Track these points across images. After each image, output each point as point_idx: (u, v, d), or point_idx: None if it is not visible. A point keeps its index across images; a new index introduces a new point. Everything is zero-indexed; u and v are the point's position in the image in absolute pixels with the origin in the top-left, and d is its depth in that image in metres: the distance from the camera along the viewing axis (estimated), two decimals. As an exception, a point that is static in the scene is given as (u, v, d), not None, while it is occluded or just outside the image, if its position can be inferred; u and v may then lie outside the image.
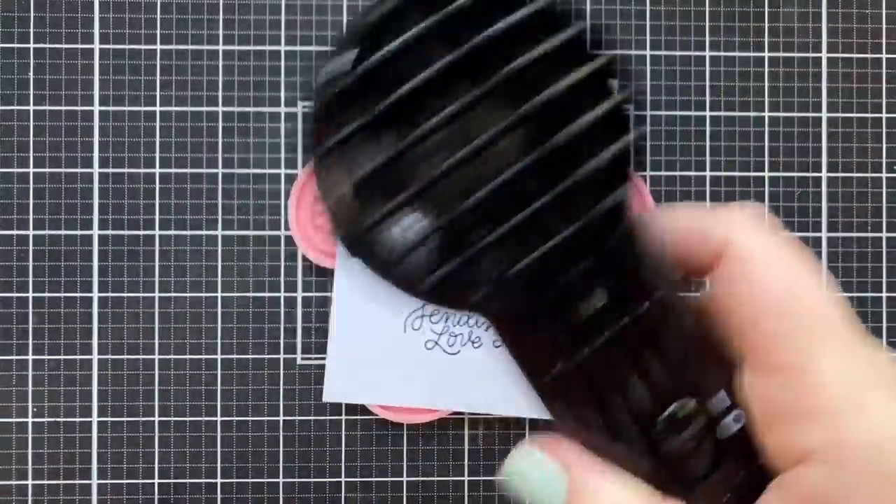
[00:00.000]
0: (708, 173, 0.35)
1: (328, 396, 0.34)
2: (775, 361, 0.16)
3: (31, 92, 0.34)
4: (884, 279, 0.35)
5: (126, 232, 0.34)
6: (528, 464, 0.18)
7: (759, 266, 0.17)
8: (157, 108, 0.34)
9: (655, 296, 0.17)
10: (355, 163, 0.16)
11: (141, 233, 0.34)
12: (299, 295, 0.34)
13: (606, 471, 0.17)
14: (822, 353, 0.16)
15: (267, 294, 0.34)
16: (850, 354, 0.16)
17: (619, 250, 0.17)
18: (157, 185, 0.34)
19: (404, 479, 0.34)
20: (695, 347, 0.17)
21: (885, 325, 0.35)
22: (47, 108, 0.34)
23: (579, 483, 0.17)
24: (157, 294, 0.34)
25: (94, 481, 0.34)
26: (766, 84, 0.35)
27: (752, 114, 0.35)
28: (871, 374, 0.16)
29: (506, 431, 0.35)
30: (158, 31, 0.34)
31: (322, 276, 0.34)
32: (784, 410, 0.16)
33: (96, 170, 0.34)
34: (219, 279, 0.34)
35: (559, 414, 0.17)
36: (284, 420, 0.34)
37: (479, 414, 0.35)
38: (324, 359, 0.34)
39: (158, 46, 0.34)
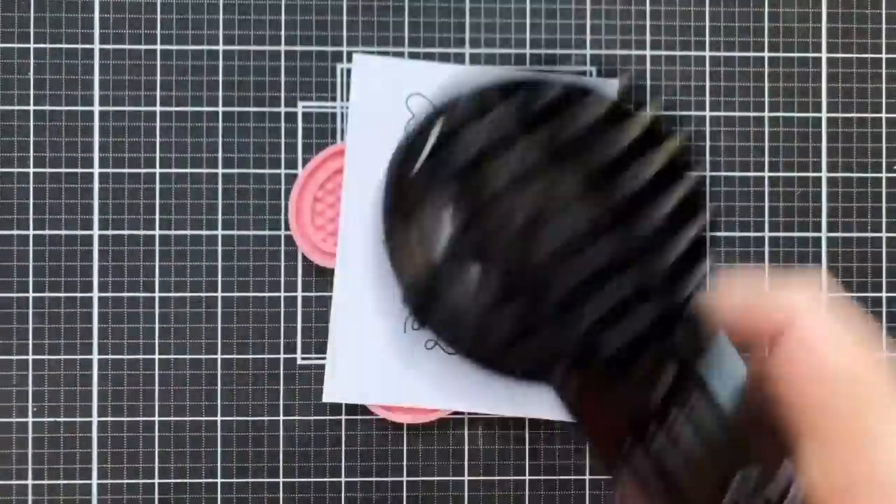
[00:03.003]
0: (707, 173, 0.35)
1: (328, 396, 0.34)
2: (837, 437, 0.17)
3: (32, 92, 0.34)
4: (884, 279, 0.35)
5: (126, 232, 0.34)
6: None
7: (820, 347, 0.17)
8: (158, 108, 0.34)
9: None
10: (428, 229, 0.16)
11: (141, 232, 0.34)
12: (299, 295, 0.34)
13: None
14: (885, 432, 0.16)
15: (267, 294, 0.34)
16: None
17: (689, 328, 0.17)
18: (158, 185, 0.34)
19: (404, 479, 0.34)
20: (755, 416, 0.17)
21: (884, 325, 0.35)
22: (47, 108, 0.34)
23: None
24: (157, 294, 0.34)
25: (94, 481, 0.34)
26: (766, 84, 0.35)
27: (751, 114, 0.35)
28: None
29: (506, 431, 0.35)
30: (158, 31, 0.34)
31: (322, 276, 0.34)
32: (845, 484, 0.16)
33: (96, 170, 0.34)
34: (219, 279, 0.34)
35: (629, 488, 0.17)
36: (284, 420, 0.34)
37: (479, 414, 0.35)
38: (324, 359, 0.34)
39: (158, 46, 0.34)
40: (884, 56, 0.35)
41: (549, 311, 0.16)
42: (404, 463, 0.34)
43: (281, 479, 0.34)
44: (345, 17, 0.35)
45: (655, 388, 0.16)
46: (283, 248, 0.34)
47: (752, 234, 0.35)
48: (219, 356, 0.34)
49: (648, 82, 0.35)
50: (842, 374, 0.17)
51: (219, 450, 0.34)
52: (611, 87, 0.35)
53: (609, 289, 0.16)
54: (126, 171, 0.34)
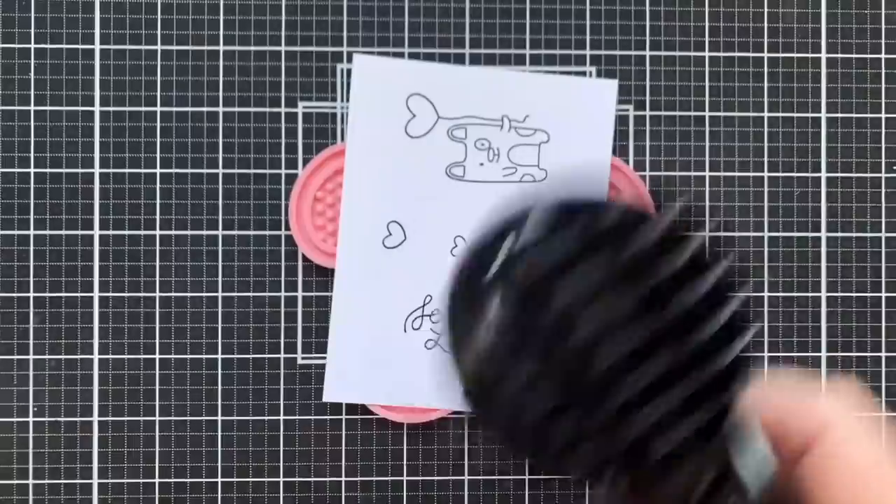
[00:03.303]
0: (707, 173, 0.35)
1: (328, 396, 0.34)
2: None
3: (32, 92, 0.34)
4: (883, 279, 0.35)
5: (127, 232, 0.34)
6: None
7: (854, 458, 0.18)
8: (158, 109, 0.34)
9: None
10: (493, 329, 0.17)
11: (141, 232, 0.34)
12: (299, 295, 0.34)
13: None
14: None
15: (267, 294, 0.34)
16: None
17: (732, 431, 0.17)
18: (158, 185, 0.34)
19: (404, 478, 0.34)
20: None
21: (884, 325, 0.35)
22: (48, 108, 0.34)
23: None
24: (157, 294, 0.34)
25: (95, 481, 0.34)
26: (766, 84, 0.35)
27: (751, 114, 0.35)
28: None
29: (505, 431, 0.35)
30: (159, 32, 0.34)
31: (322, 276, 0.34)
32: None
33: (97, 170, 0.34)
34: (219, 279, 0.34)
35: None
36: (284, 420, 0.34)
37: (478, 414, 0.35)
38: (324, 359, 0.34)
39: (159, 47, 0.34)
40: (883, 56, 0.35)
41: (603, 419, 0.17)
42: (404, 463, 0.34)
43: (281, 479, 0.34)
44: (345, 17, 0.35)
45: (697, 488, 0.17)
46: (283, 248, 0.34)
47: (751, 233, 0.35)
48: (219, 356, 0.34)
49: (648, 83, 0.35)
50: (872, 485, 0.17)
51: (219, 449, 0.34)
52: (610, 88, 0.35)
53: (661, 400, 0.17)
54: (126, 171, 0.34)
